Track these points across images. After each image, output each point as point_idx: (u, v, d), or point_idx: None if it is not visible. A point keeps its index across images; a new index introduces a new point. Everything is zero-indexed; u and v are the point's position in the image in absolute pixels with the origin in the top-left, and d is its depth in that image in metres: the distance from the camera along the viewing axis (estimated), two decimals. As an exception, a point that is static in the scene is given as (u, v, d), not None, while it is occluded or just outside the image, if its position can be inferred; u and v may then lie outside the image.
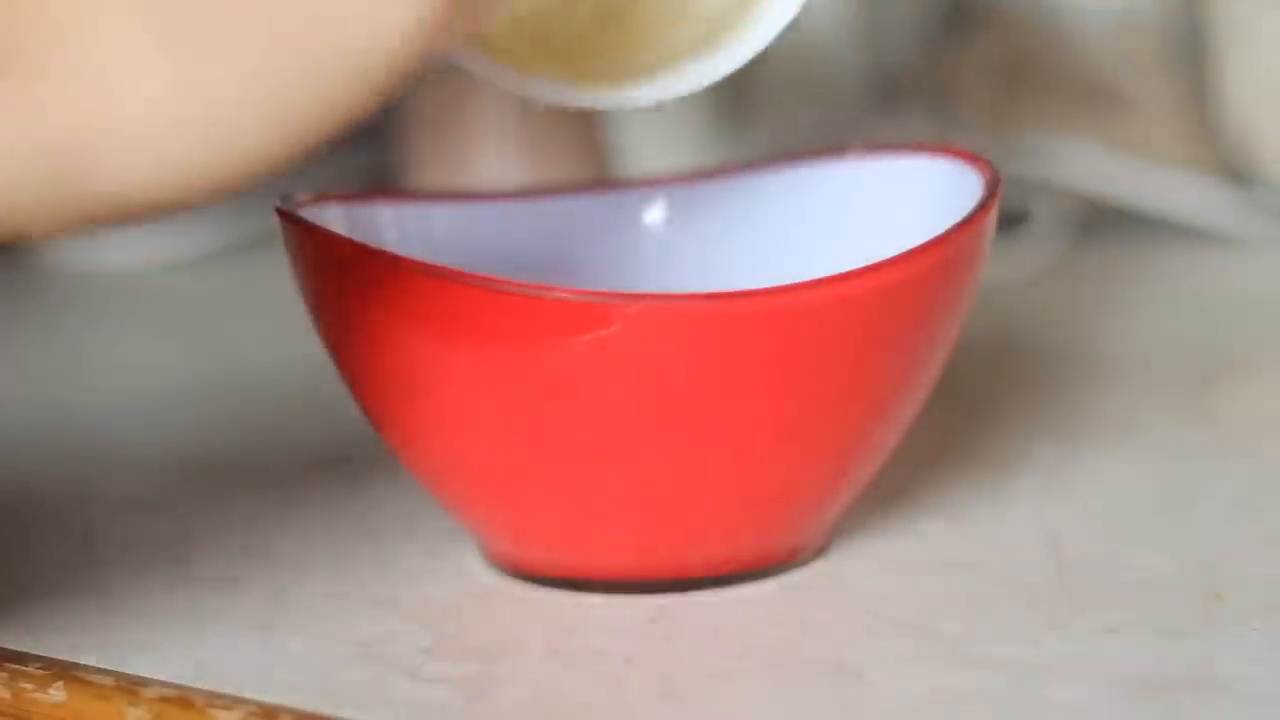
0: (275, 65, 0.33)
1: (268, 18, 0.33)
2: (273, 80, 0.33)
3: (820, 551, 0.50)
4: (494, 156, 0.73)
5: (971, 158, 0.51)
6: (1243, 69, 0.81)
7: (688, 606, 0.48)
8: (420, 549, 0.52)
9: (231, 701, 0.43)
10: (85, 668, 0.45)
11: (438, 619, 0.48)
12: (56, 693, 0.45)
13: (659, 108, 0.48)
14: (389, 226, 0.53)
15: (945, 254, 0.46)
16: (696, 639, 0.46)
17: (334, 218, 0.50)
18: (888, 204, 0.53)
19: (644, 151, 0.83)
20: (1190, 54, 0.82)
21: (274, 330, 0.73)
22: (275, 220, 0.48)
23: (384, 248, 0.47)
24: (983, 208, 0.48)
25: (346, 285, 0.46)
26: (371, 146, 0.88)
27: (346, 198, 0.52)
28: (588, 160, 0.73)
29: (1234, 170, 0.82)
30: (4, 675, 0.45)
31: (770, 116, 0.89)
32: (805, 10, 0.47)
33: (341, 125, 0.34)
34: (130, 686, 0.44)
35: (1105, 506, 0.54)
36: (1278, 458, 0.58)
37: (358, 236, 0.48)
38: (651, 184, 0.56)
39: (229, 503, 0.55)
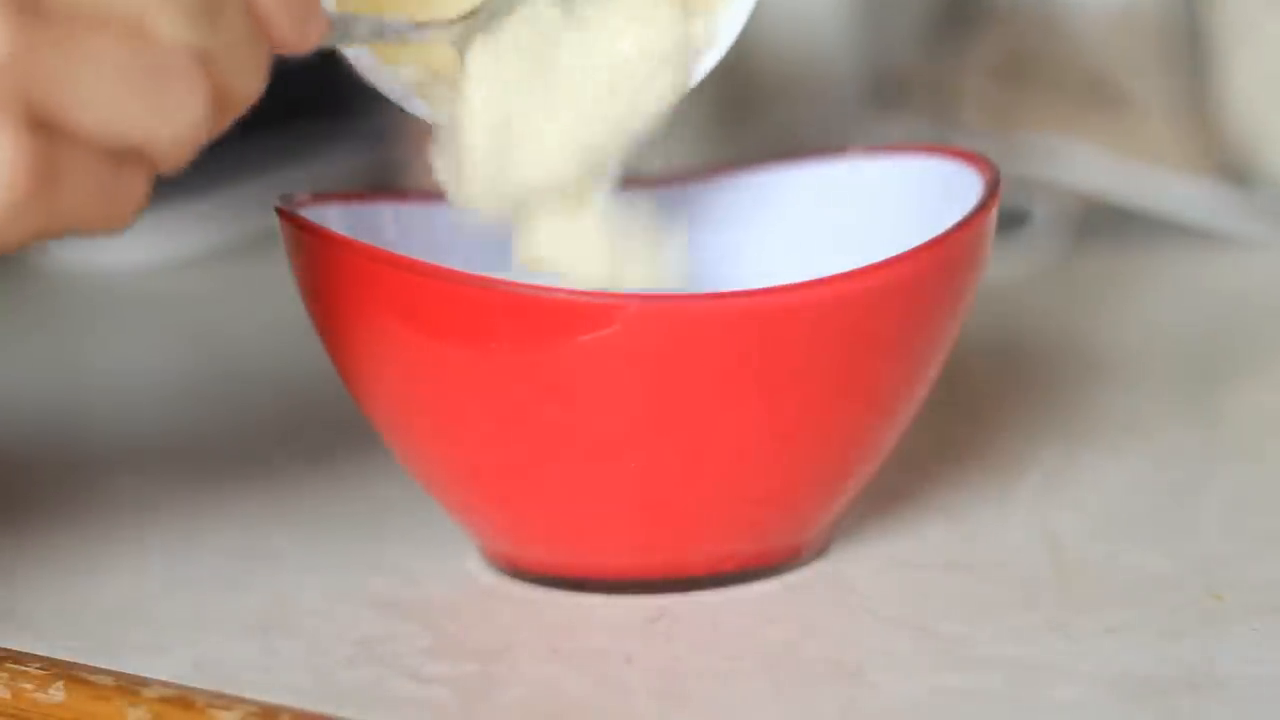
0: None
1: None
2: None
3: (820, 551, 0.50)
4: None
5: (971, 158, 0.51)
6: (1244, 69, 0.81)
7: (688, 606, 0.48)
8: (420, 549, 0.52)
9: (231, 701, 0.43)
10: (85, 668, 0.45)
11: (438, 619, 0.48)
12: (56, 693, 0.45)
13: None
14: (389, 226, 0.53)
15: (945, 254, 0.46)
16: (696, 639, 0.46)
17: (334, 218, 0.50)
18: (888, 204, 0.53)
19: (643, 151, 0.83)
20: (1190, 54, 0.82)
21: (274, 330, 0.73)
22: (275, 220, 0.48)
23: (384, 248, 0.47)
24: (983, 208, 0.48)
25: (346, 285, 0.46)
26: (371, 146, 0.88)
27: (346, 198, 0.52)
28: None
29: (1234, 170, 0.82)
30: (4, 675, 0.45)
31: (770, 116, 0.89)
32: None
33: None
34: (130, 686, 0.44)
35: (1105, 507, 0.54)
36: (1278, 458, 0.58)
37: (358, 236, 0.48)
38: (649, 184, 0.56)
39: (229, 503, 0.55)
